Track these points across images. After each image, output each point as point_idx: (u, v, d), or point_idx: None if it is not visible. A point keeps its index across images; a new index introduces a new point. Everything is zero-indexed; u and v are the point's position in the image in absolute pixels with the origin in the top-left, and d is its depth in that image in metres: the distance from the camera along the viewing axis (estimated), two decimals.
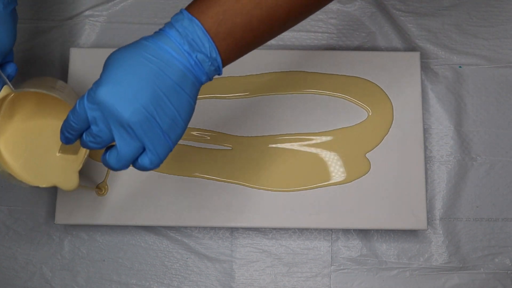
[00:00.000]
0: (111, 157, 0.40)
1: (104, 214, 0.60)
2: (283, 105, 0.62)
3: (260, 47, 0.67)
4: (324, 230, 0.63)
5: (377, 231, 0.62)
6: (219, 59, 0.41)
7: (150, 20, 0.67)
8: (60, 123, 0.43)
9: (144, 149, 0.40)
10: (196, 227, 0.63)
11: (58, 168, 0.53)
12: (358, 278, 0.62)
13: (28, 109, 0.53)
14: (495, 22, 0.67)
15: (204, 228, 0.63)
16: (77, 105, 0.40)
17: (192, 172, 0.61)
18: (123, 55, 0.40)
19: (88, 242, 0.63)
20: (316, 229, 0.63)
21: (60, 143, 0.49)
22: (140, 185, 0.61)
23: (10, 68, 0.48)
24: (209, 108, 0.63)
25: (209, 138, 0.62)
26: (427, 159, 0.64)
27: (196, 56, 0.40)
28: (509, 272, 0.62)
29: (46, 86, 0.51)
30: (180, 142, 0.62)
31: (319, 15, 0.67)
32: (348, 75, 0.63)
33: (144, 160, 0.40)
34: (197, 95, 0.42)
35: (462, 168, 0.64)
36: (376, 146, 0.61)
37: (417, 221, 0.59)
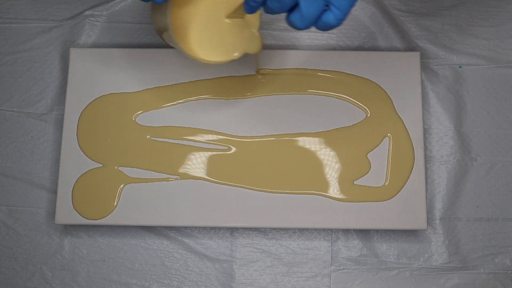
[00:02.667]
0: (295, 17, 0.41)
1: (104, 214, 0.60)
2: (283, 105, 0.62)
3: None
4: (324, 230, 0.63)
5: (377, 231, 0.63)
6: None
7: (150, 20, 0.67)
8: None
9: (326, 7, 0.41)
10: (196, 227, 0.63)
11: (243, 35, 0.54)
12: (358, 278, 0.62)
13: None
14: (495, 22, 0.67)
15: (204, 228, 0.63)
16: None
17: (192, 173, 0.61)
18: None
19: (88, 242, 0.63)
20: (316, 229, 0.63)
21: (226, 11, 0.52)
22: (140, 186, 0.61)
23: None
24: (209, 108, 0.63)
25: (208, 138, 0.62)
26: (427, 159, 0.64)
27: None
28: (509, 272, 0.62)
29: None
30: (180, 142, 0.62)
31: None
32: (348, 74, 0.63)
33: (329, 17, 0.41)
34: None
35: (462, 168, 0.64)
36: (377, 146, 0.61)
37: (417, 221, 0.59)
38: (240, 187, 0.60)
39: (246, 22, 0.54)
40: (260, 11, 0.50)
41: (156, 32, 0.56)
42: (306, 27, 0.42)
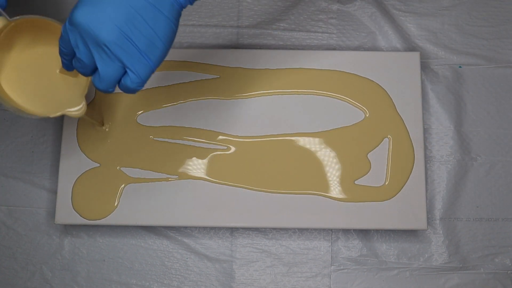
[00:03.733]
0: (95, 78, 0.43)
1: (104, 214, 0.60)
2: (283, 105, 0.62)
3: (260, 47, 0.67)
4: (324, 230, 0.63)
5: (377, 231, 0.62)
6: None
7: None
8: (57, 48, 0.45)
9: (126, 71, 0.41)
10: (196, 227, 0.63)
11: (65, 95, 0.53)
12: (358, 278, 0.62)
13: (24, 40, 0.52)
14: (495, 22, 0.67)
15: (204, 228, 0.63)
16: (62, 30, 0.42)
17: (192, 173, 0.61)
18: None
19: (88, 242, 0.63)
20: (316, 229, 0.63)
21: (59, 66, 0.51)
22: (140, 186, 0.61)
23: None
24: (209, 108, 0.63)
25: (208, 138, 0.62)
26: (427, 159, 0.64)
27: None
28: (509, 272, 0.62)
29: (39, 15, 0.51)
30: (180, 142, 0.62)
31: (319, 15, 0.67)
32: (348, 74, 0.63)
33: (126, 80, 0.42)
34: (178, 18, 0.43)
35: (462, 168, 0.64)
36: (377, 146, 0.61)
37: (417, 221, 0.59)
38: (240, 187, 0.60)
39: (78, 83, 0.53)
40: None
41: None
42: (106, 89, 0.43)
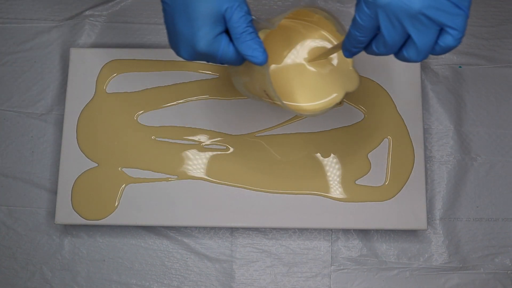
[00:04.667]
0: (410, 52, 0.39)
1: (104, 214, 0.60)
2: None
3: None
4: (324, 230, 0.63)
5: (377, 231, 0.62)
6: None
7: (150, 20, 0.67)
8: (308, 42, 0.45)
9: (439, 32, 0.39)
10: (196, 227, 0.63)
11: (337, 77, 0.51)
12: (358, 278, 0.62)
13: (276, 48, 0.51)
14: (495, 22, 0.67)
15: (204, 228, 0.63)
16: (358, 18, 0.39)
17: (192, 173, 0.61)
18: None
19: (88, 242, 0.63)
20: (316, 229, 0.63)
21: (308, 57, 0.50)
22: (140, 186, 0.61)
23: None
24: (209, 108, 0.63)
25: (208, 138, 0.62)
26: (427, 159, 0.64)
27: None
28: (509, 272, 0.62)
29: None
30: (179, 142, 0.62)
31: None
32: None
33: (447, 40, 0.38)
34: None
35: (462, 168, 0.64)
36: (377, 146, 0.61)
37: (417, 221, 0.59)
38: (240, 187, 0.60)
39: (333, 60, 0.51)
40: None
41: (242, 91, 0.54)
42: (424, 57, 0.40)
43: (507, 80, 0.65)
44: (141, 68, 0.64)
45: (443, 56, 0.66)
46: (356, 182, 0.61)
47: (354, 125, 0.62)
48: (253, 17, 0.44)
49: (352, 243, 0.62)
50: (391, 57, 0.64)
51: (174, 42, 0.45)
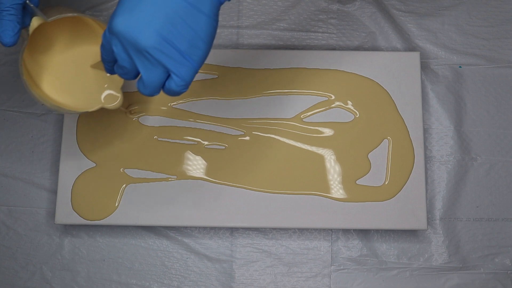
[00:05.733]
0: (139, 84, 0.42)
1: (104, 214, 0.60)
2: (283, 105, 0.62)
3: (260, 47, 0.67)
4: (324, 230, 0.63)
5: (377, 231, 0.62)
6: None
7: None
8: (93, 46, 0.47)
9: (169, 74, 0.41)
10: (196, 227, 0.63)
11: (101, 89, 0.54)
12: (358, 278, 0.62)
13: (61, 38, 0.53)
14: (495, 22, 0.67)
15: (204, 228, 0.63)
16: (102, 39, 0.42)
17: (192, 173, 0.61)
18: None
19: (88, 242, 0.63)
20: (316, 229, 0.63)
21: (94, 62, 0.52)
22: (140, 186, 0.61)
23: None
24: (209, 108, 0.63)
25: (208, 138, 0.62)
26: (427, 159, 0.64)
27: None
28: (509, 272, 0.62)
29: (72, 11, 0.50)
30: (180, 142, 0.62)
31: (319, 15, 0.67)
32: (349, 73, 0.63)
33: (171, 84, 0.41)
34: (218, 13, 0.41)
35: (462, 168, 0.64)
36: (377, 146, 0.61)
37: (417, 221, 0.59)
38: (240, 187, 0.60)
39: (113, 77, 0.53)
40: None
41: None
42: (151, 93, 0.42)
43: (507, 80, 0.65)
44: None
45: (443, 56, 0.66)
46: (356, 182, 0.61)
47: (354, 125, 0.62)
48: (30, 3, 0.46)
49: (352, 243, 0.62)
50: (392, 56, 0.64)
51: None
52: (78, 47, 0.54)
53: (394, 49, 0.66)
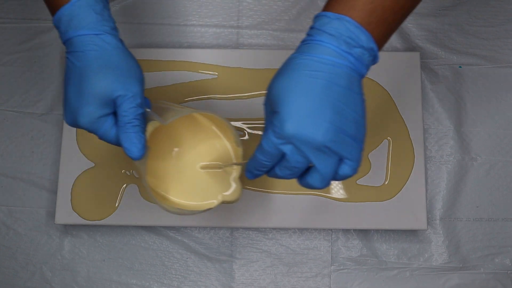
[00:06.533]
0: (315, 179, 0.40)
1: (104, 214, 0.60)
2: None
3: (260, 47, 0.67)
4: (324, 230, 0.63)
5: (377, 231, 0.62)
6: (375, 48, 0.40)
7: (150, 20, 0.67)
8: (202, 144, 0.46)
9: (340, 160, 0.40)
10: (196, 227, 0.63)
11: (220, 184, 0.50)
12: (358, 278, 0.62)
13: (173, 140, 0.51)
14: (495, 22, 0.67)
15: (204, 228, 0.63)
16: (264, 145, 0.40)
17: None
18: (288, 84, 0.39)
19: (88, 242, 0.63)
20: (316, 229, 0.63)
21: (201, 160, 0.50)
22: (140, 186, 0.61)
23: (146, 103, 0.47)
24: (208, 109, 0.63)
25: None
26: (427, 159, 0.64)
27: (355, 53, 0.39)
28: (509, 272, 0.62)
29: (179, 107, 0.48)
30: None
31: None
32: None
33: (345, 169, 0.40)
34: (362, 87, 0.41)
35: (462, 168, 0.64)
36: (377, 146, 0.61)
37: (417, 221, 0.59)
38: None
39: (225, 171, 0.51)
40: (241, 158, 0.49)
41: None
42: (326, 185, 0.41)
43: (507, 80, 0.65)
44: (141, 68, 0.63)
45: (443, 56, 0.66)
46: (357, 182, 0.61)
47: None
48: (147, 109, 0.45)
49: (352, 243, 0.62)
50: (392, 56, 0.64)
51: (64, 103, 0.44)
52: (187, 146, 0.51)
53: (394, 49, 0.66)
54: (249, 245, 0.63)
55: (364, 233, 0.63)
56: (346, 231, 0.63)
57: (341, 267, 0.62)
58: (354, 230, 0.63)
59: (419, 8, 0.67)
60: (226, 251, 0.63)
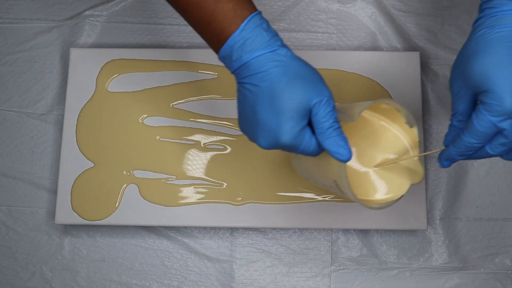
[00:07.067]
0: None
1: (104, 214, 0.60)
2: None
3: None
4: (324, 230, 0.63)
5: (377, 231, 0.62)
6: None
7: (150, 20, 0.67)
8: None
9: None
10: (196, 227, 0.63)
11: (407, 169, 0.50)
12: (358, 278, 0.62)
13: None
14: None
15: (204, 228, 0.63)
16: (477, 125, 0.40)
17: (191, 173, 0.61)
18: (495, 59, 0.39)
19: (88, 242, 0.63)
20: (316, 229, 0.63)
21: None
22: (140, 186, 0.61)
23: None
24: (208, 109, 0.63)
25: (207, 139, 0.62)
26: (427, 159, 0.64)
27: None
28: (509, 272, 0.62)
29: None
30: (179, 141, 0.62)
31: (319, 15, 0.67)
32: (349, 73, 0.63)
33: None
34: None
35: (462, 168, 0.64)
36: None
37: (417, 221, 0.59)
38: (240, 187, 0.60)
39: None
40: (419, 137, 0.48)
41: (304, 174, 0.52)
42: None
43: None
44: (141, 68, 0.64)
45: (443, 56, 0.66)
46: None
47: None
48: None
49: (352, 243, 0.62)
50: (392, 56, 0.64)
51: (252, 130, 0.43)
52: (361, 148, 0.50)
53: (394, 49, 0.66)
54: (249, 245, 0.63)
55: (364, 233, 0.63)
56: (346, 231, 0.63)
57: (341, 267, 0.62)
58: (354, 230, 0.63)
59: (419, 8, 0.67)
60: (226, 251, 0.63)
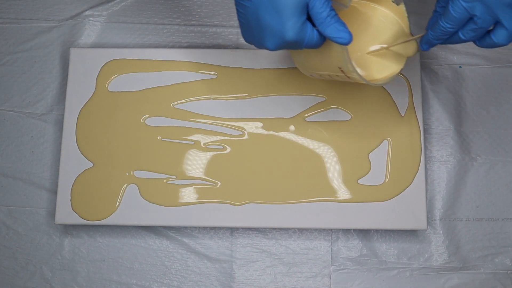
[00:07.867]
0: (500, 36, 0.45)
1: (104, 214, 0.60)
2: (283, 106, 0.62)
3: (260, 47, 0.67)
4: (324, 230, 0.63)
5: (377, 231, 0.62)
6: None
7: (150, 20, 0.67)
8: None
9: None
10: (196, 227, 0.63)
11: (401, 48, 0.53)
12: (358, 278, 0.62)
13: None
14: None
15: (204, 228, 0.63)
16: (452, 11, 0.44)
17: (191, 173, 0.61)
18: None
19: (88, 242, 0.63)
20: (316, 229, 0.63)
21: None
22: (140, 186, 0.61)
23: None
24: (209, 108, 0.63)
25: (207, 139, 0.62)
26: (427, 159, 0.64)
27: None
28: (509, 272, 0.62)
29: None
30: (179, 141, 0.62)
31: None
32: None
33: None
34: None
35: (462, 168, 0.64)
36: (377, 146, 0.61)
37: (417, 221, 0.59)
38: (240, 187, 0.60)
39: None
40: (406, 13, 0.53)
41: (307, 70, 0.54)
42: (510, 41, 0.45)
43: (507, 80, 0.65)
44: (141, 68, 0.64)
45: (443, 56, 0.66)
46: (357, 182, 0.61)
47: (354, 125, 0.62)
48: None
49: (352, 243, 0.62)
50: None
51: (258, 36, 0.47)
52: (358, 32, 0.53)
53: None
54: (249, 245, 0.63)
55: (364, 233, 0.63)
56: (346, 231, 0.63)
57: (341, 267, 0.62)
58: (354, 230, 0.63)
59: (419, 8, 0.67)
60: (226, 251, 0.63)
